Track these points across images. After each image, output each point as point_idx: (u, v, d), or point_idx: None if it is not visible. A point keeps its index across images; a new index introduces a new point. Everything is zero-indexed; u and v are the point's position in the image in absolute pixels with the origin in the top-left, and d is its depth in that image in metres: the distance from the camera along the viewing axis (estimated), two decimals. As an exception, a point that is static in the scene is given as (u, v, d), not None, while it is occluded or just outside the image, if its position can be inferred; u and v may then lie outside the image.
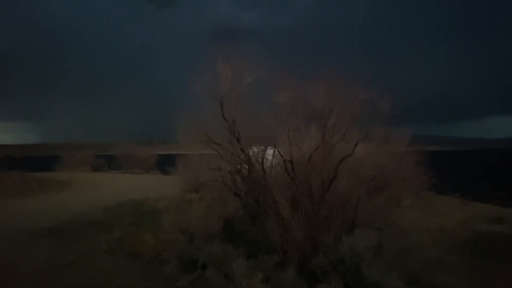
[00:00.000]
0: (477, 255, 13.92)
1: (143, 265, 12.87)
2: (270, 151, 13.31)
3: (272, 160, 13.39)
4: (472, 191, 29.38)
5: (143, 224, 16.27)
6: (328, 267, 10.47)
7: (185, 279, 11.30)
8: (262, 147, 13.36)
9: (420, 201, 17.52)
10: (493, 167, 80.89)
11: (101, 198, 22.82)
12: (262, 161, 13.11)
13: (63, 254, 13.45)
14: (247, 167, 13.43)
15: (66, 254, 13.50)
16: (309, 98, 12.40)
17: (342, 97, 11.94)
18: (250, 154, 13.35)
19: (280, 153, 12.65)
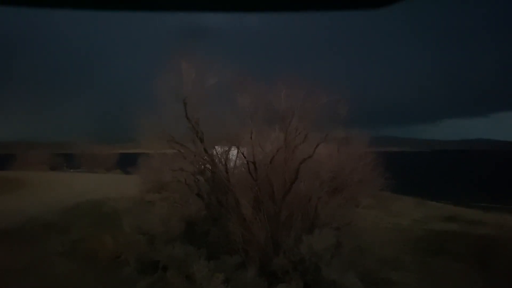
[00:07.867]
0: (430, 253, 14.57)
1: (101, 268, 12.55)
2: (233, 152, 13.34)
3: (235, 161, 13.43)
4: (427, 191, 30.80)
5: (102, 226, 15.83)
6: (288, 267, 10.65)
7: (144, 281, 11.15)
8: (225, 148, 13.37)
9: (377, 201, 18.07)
10: (446, 167, 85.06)
11: (58, 199, 21.90)
12: (226, 162, 13.12)
13: (15, 259, 12.83)
14: (210, 168, 13.39)
15: (18, 258, 12.89)
16: (272, 100, 12.55)
17: (304, 100, 12.16)
18: (214, 154, 13.33)
19: (243, 154, 12.71)
